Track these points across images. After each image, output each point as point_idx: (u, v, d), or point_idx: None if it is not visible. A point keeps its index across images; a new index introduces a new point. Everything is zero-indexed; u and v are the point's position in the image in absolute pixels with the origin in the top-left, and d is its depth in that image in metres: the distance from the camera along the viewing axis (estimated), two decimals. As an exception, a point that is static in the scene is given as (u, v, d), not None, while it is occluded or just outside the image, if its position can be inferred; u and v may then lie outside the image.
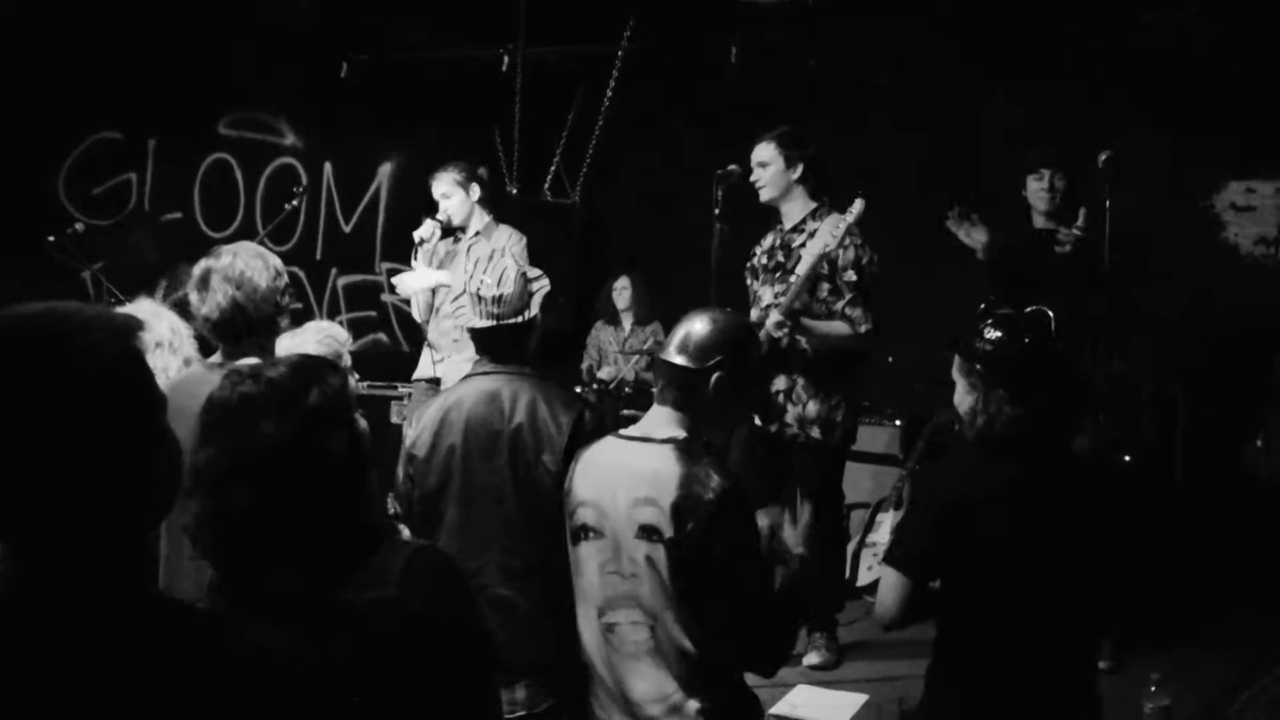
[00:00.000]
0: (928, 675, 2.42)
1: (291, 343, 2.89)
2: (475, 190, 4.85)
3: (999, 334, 2.33)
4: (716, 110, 6.57)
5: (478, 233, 4.91)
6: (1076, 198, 4.25)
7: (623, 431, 2.47)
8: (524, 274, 2.75)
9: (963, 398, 2.37)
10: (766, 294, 4.19)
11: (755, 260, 4.33)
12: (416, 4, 6.40)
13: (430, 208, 6.74)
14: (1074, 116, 5.24)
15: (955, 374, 2.41)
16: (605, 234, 7.49)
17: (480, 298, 2.70)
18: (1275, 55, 4.77)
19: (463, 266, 4.85)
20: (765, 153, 4.17)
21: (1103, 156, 3.85)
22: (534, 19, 6.19)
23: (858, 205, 3.91)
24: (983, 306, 2.53)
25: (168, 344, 2.96)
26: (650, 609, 2.28)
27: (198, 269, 2.61)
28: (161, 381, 1.61)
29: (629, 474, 2.32)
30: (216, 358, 2.64)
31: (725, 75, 5.68)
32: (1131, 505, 4.12)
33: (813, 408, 4.08)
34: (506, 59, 5.82)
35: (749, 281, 4.34)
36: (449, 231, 4.99)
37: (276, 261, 2.64)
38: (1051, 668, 2.28)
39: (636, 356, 6.51)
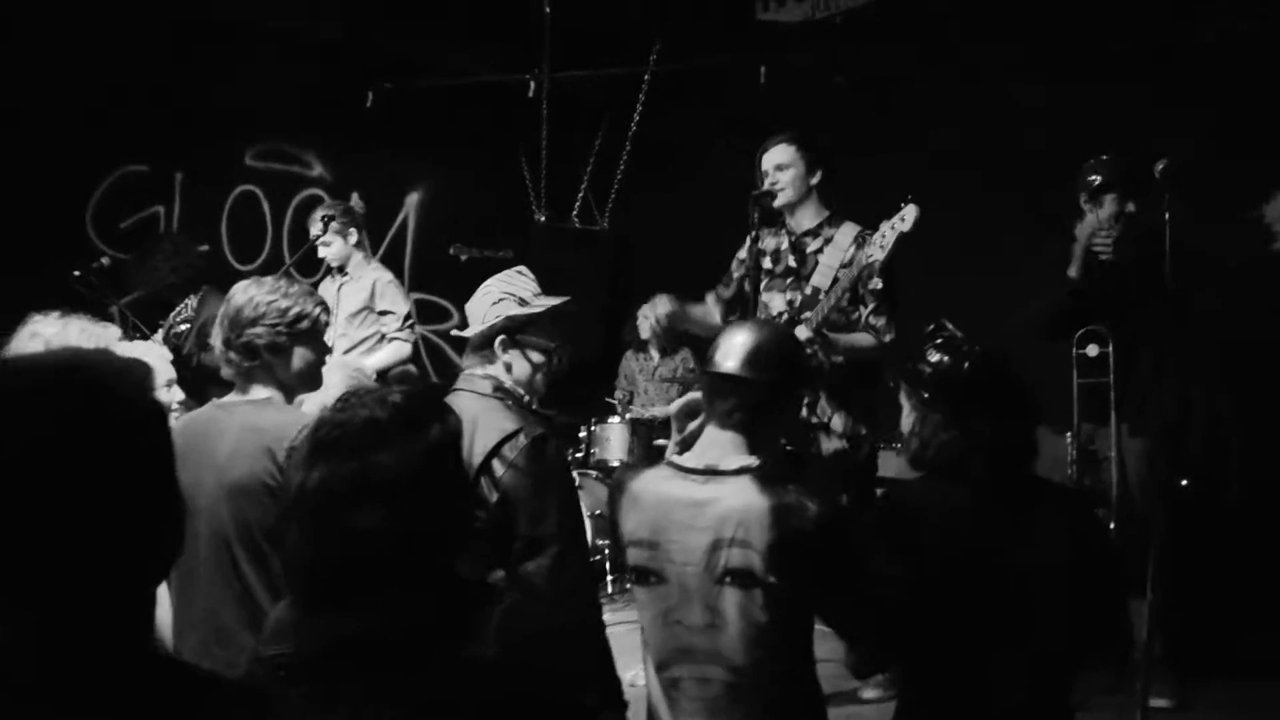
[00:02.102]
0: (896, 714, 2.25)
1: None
2: (353, 234, 4.99)
3: (941, 356, 2.22)
4: (745, 131, 6.48)
5: (346, 272, 5.07)
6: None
7: (675, 461, 2.21)
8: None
9: (905, 420, 2.28)
10: (777, 301, 4.05)
11: (757, 264, 4.13)
12: (441, 30, 6.38)
13: (455, 235, 6.69)
14: (1108, 128, 5.09)
15: (901, 396, 2.31)
16: (636, 259, 7.41)
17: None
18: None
19: (334, 305, 4.94)
20: (785, 155, 4.02)
21: (1160, 165, 3.63)
22: (559, 44, 6.15)
23: (910, 213, 3.57)
24: (931, 328, 2.40)
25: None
26: (732, 661, 2.07)
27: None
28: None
29: (699, 512, 2.09)
30: (232, 396, 2.56)
31: (755, 95, 5.57)
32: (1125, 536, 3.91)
33: (838, 422, 3.94)
34: (533, 84, 5.77)
35: (729, 287, 4.23)
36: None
37: (284, 288, 2.48)
38: (1024, 698, 2.09)
39: (672, 386, 6.40)
